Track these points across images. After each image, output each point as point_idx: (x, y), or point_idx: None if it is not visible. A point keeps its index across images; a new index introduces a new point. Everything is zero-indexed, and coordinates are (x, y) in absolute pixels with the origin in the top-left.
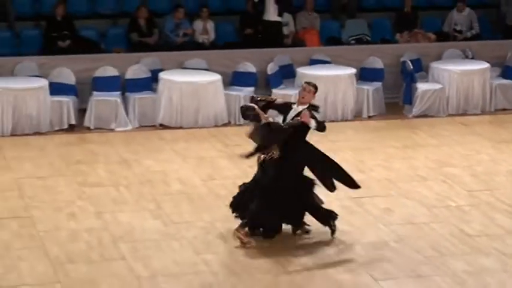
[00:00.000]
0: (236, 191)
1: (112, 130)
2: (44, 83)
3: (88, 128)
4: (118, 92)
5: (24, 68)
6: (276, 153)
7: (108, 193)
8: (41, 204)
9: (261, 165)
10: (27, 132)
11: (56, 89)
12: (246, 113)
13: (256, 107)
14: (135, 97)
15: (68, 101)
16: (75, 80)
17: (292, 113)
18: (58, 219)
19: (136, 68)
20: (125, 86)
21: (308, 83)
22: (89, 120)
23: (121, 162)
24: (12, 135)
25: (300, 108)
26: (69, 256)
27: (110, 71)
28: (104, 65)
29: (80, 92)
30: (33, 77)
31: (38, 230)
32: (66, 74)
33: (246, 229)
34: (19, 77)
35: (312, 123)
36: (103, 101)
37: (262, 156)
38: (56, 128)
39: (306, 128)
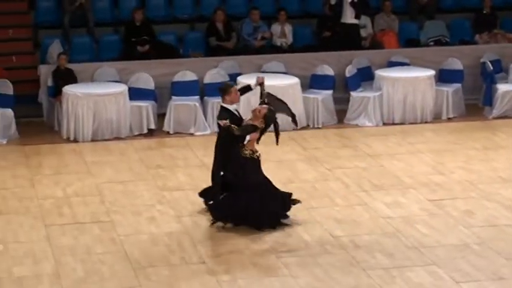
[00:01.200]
0: (314, 193)
1: (191, 134)
2: (123, 88)
3: (167, 133)
4: (197, 97)
5: (103, 73)
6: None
7: (188, 197)
8: (122, 209)
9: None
10: (107, 137)
11: (135, 94)
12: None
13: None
14: (213, 101)
15: (147, 106)
16: (154, 85)
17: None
18: (138, 223)
19: (215, 72)
20: (203, 90)
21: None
22: (168, 124)
23: (200, 166)
24: (93, 140)
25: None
26: (150, 260)
27: (188, 76)
28: (182, 70)
29: (159, 96)
30: (112, 82)
31: (118, 234)
32: (145, 79)
33: None
34: (99, 83)
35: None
36: (182, 106)
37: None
38: (136, 133)
39: None
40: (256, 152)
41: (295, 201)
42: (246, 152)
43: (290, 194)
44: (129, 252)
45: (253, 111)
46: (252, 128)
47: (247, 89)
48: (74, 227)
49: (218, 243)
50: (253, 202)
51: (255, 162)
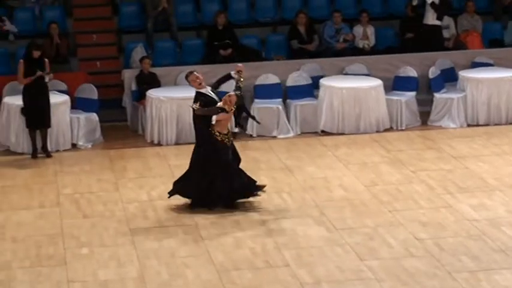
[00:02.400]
0: (398, 196)
1: (274, 137)
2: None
3: (250, 136)
4: (279, 99)
5: None
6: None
7: (272, 200)
8: (205, 212)
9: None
10: (190, 140)
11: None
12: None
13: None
14: (296, 104)
15: None
16: None
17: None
18: (223, 226)
19: (297, 75)
20: (286, 93)
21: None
22: (251, 127)
23: (283, 169)
24: (176, 143)
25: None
26: (234, 263)
27: (271, 79)
28: (265, 73)
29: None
30: None
31: (202, 237)
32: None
33: None
34: (182, 86)
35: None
36: (265, 109)
37: (230, 138)
38: None
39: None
40: (226, 135)
41: (260, 187)
42: (214, 133)
43: (255, 182)
44: (213, 256)
45: (224, 97)
46: (216, 110)
47: (227, 77)
48: (158, 231)
49: (301, 246)
50: (217, 181)
51: (224, 144)
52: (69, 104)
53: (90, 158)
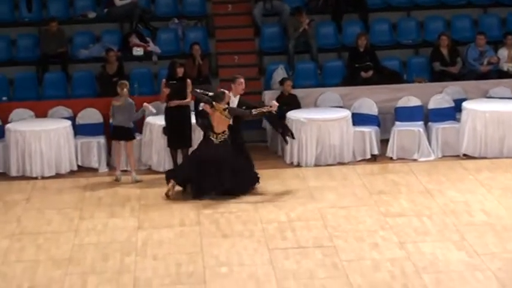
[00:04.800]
0: None
1: (414, 160)
2: (346, 113)
3: (390, 158)
4: (421, 122)
5: (327, 98)
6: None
7: (411, 223)
8: (344, 234)
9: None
10: (330, 162)
11: (359, 119)
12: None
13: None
14: (438, 127)
15: (370, 131)
16: (377, 110)
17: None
18: (361, 249)
19: (440, 98)
20: (427, 116)
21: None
22: (391, 150)
23: (423, 192)
24: (316, 165)
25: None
26: (373, 286)
27: (412, 101)
28: (406, 95)
29: (382, 122)
30: (336, 108)
31: (341, 260)
32: (369, 105)
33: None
34: (322, 108)
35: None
36: (406, 131)
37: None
38: (359, 158)
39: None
40: (218, 134)
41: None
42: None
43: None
44: (352, 278)
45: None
46: (206, 99)
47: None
48: (296, 251)
49: (441, 270)
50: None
51: (210, 141)
52: None
53: None
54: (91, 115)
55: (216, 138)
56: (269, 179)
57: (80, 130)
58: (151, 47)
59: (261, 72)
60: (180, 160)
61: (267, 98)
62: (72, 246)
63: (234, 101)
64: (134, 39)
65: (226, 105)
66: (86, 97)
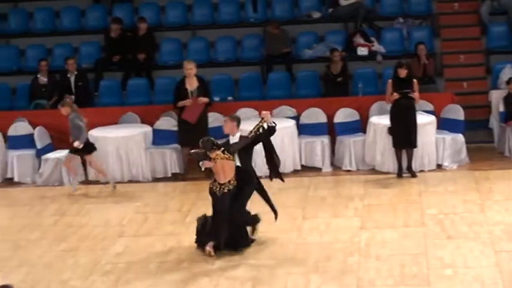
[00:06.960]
0: None
1: None
2: None
3: None
4: None
5: None
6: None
7: None
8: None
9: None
10: None
11: None
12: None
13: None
14: None
15: None
16: None
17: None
18: None
19: None
20: None
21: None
22: None
23: None
24: None
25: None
26: None
27: None
28: None
29: None
30: None
31: None
32: None
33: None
34: None
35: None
36: None
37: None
38: None
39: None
40: (215, 184)
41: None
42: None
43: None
44: None
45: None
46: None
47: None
48: None
49: None
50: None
51: (212, 192)
52: (435, 124)
53: (455, 178)
54: (315, 115)
55: (219, 189)
56: (496, 179)
57: (303, 130)
58: (376, 46)
59: (487, 72)
60: (404, 161)
61: (493, 98)
62: (296, 246)
63: (236, 140)
64: (358, 39)
65: (222, 147)
66: (310, 97)
